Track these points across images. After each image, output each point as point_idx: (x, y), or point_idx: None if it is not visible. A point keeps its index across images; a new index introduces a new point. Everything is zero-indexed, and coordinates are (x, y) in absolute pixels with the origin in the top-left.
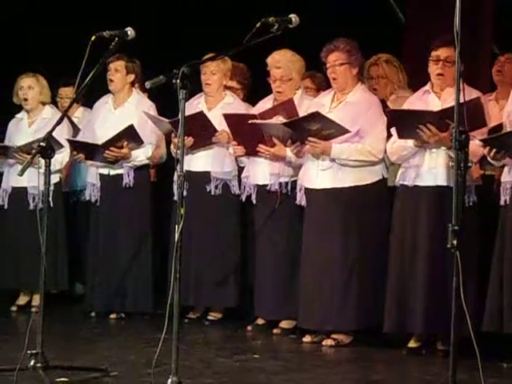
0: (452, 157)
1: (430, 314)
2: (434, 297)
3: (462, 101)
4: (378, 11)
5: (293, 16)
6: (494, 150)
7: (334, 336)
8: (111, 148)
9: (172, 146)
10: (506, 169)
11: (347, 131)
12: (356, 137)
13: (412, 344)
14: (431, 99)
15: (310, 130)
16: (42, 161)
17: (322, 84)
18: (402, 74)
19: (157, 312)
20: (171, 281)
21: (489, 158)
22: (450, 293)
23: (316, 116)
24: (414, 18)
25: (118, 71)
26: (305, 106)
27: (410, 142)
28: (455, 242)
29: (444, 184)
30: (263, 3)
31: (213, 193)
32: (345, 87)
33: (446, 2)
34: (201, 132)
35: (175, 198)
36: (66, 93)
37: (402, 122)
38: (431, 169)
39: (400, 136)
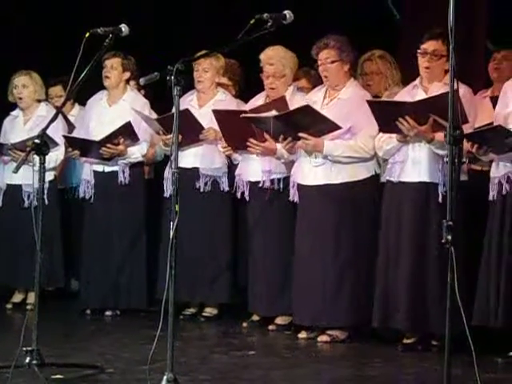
0: (435, 152)
1: (413, 311)
2: (418, 292)
3: (434, 94)
4: (373, 8)
5: (287, 12)
6: (476, 146)
7: (329, 332)
8: (108, 145)
9: (161, 143)
10: (493, 164)
11: (338, 127)
12: (348, 133)
13: (407, 340)
14: (419, 93)
15: (300, 125)
16: (37, 158)
17: (318, 81)
18: (395, 70)
19: (151, 309)
20: (166, 277)
21: (475, 154)
22: (435, 288)
23: (307, 110)
24: (409, 15)
25: (114, 68)
26: (296, 101)
27: (395, 137)
28: (449, 237)
29: (427, 180)
30: (258, 1)
31: (202, 189)
32: (337, 84)
33: None
34: (188, 129)
35: (165, 194)
36: (56, 92)
37: (382, 114)
38: (415, 164)
39: (381, 129)
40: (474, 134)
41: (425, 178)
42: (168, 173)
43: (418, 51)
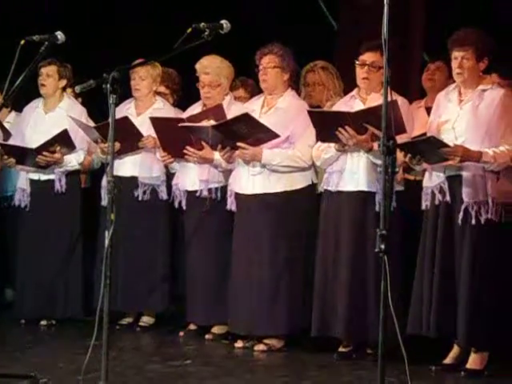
0: (373, 161)
1: (351, 320)
2: (355, 301)
3: (378, 103)
4: (310, 18)
5: (224, 22)
6: (409, 156)
7: (265, 341)
8: (44, 152)
9: (99, 152)
10: (426, 175)
11: (277, 135)
12: (286, 142)
13: (342, 348)
14: (356, 104)
15: (239, 134)
16: None
17: (255, 91)
18: (337, 80)
19: (87, 318)
20: (101, 287)
21: (409, 163)
22: (372, 297)
23: (245, 118)
24: (345, 25)
25: (49, 76)
26: (233, 111)
27: (333, 146)
28: (383, 246)
29: (365, 189)
30: (195, 8)
31: (140, 198)
32: (274, 90)
33: (378, 9)
34: (127, 137)
35: (103, 203)
36: None
37: (322, 124)
38: (353, 174)
39: (320, 139)
40: (406, 143)
41: (362, 188)
42: (105, 181)
43: (357, 62)
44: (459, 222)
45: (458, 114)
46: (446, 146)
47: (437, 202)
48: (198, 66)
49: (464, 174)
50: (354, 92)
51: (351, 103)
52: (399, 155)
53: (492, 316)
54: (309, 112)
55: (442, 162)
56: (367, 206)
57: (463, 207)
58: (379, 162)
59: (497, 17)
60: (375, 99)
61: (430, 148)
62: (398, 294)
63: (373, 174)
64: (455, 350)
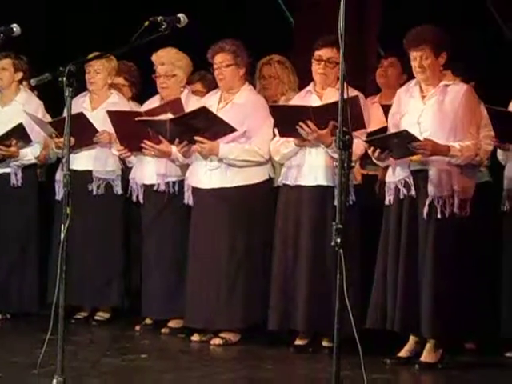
0: (332, 156)
1: (311, 312)
2: (315, 294)
3: (334, 100)
4: (267, 13)
5: (181, 15)
6: (378, 151)
7: (221, 335)
8: None
9: (53, 146)
10: (389, 169)
11: (234, 129)
12: (243, 137)
13: (298, 341)
14: (313, 99)
15: (196, 128)
16: None
17: (213, 86)
18: (293, 75)
19: (42, 312)
20: (57, 281)
21: (373, 159)
22: (331, 290)
23: (203, 112)
24: (302, 20)
25: (5, 69)
26: (191, 105)
27: (292, 141)
28: (339, 240)
29: (324, 183)
30: (152, 2)
31: (95, 192)
32: (231, 87)
33: (334, 4)
34: (81, 132)
35: (57, 197)
36: None
37: (283, 118)
38: (312, 168)
39: (281, 134)
40: (377, 139)
41: (321, 182)
42: (60, 175)
43: (313, 58)
44: (424, 216)
45: (422, 109)
46: (417, 139)
47: (401, 197)
48: (154, 58)
49: (429, 168)
50: (310, 87)
51: (307, 98)
52: (358, 149)
53: (456, 309)
54: (271, 106)
55: (407, 156)
56: (326, 200)
57: (428, 201)
58: (338, 156)
59: (448, 16)
60: (331, 94)
61: (400, 142)
62: (356, 288)
63: (332, 169)
64: (410, 343)
